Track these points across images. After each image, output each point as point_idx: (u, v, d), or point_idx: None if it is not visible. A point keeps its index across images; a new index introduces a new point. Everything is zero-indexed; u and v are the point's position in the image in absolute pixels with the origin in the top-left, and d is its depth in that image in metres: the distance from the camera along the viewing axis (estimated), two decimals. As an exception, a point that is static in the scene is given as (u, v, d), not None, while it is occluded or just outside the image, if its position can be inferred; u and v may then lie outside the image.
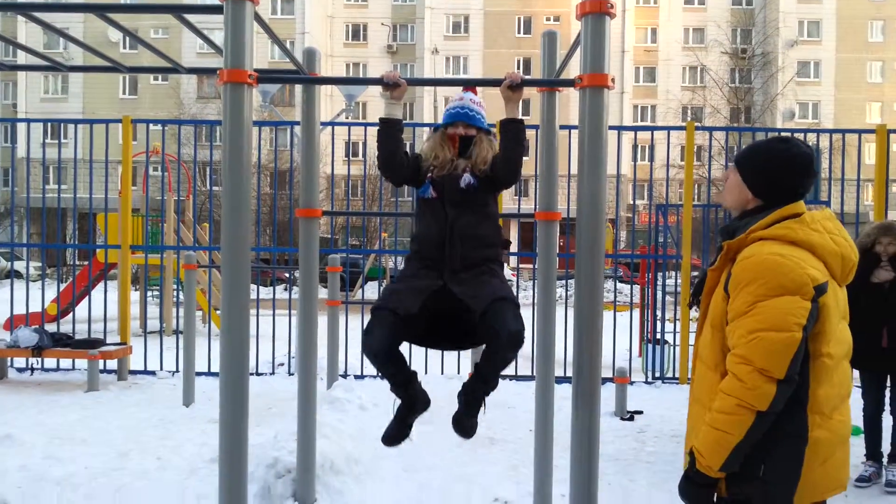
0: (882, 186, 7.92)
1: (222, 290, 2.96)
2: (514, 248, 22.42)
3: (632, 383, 7.35)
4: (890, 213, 7.68)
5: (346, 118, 14.17)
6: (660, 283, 8.70)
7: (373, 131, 9.14)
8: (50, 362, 8.14)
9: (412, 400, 3.15)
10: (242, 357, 2.96)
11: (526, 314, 7.47)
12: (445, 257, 3.00)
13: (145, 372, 8.05)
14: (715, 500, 2.10)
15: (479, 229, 3.07)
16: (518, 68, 42.19)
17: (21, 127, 20.07)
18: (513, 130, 3.17)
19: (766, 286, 1.97)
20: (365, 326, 2.99)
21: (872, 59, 42.63)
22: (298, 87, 4.23)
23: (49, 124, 9.92)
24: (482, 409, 3.18)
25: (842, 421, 2.07)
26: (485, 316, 2.92)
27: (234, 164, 2.88)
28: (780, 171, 2.13)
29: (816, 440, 2.00)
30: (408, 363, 3.12)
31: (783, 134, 2.38)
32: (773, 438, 2.00)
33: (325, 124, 8.09)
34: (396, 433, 3.18)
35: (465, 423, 3.15)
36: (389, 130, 3.19)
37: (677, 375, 8.07)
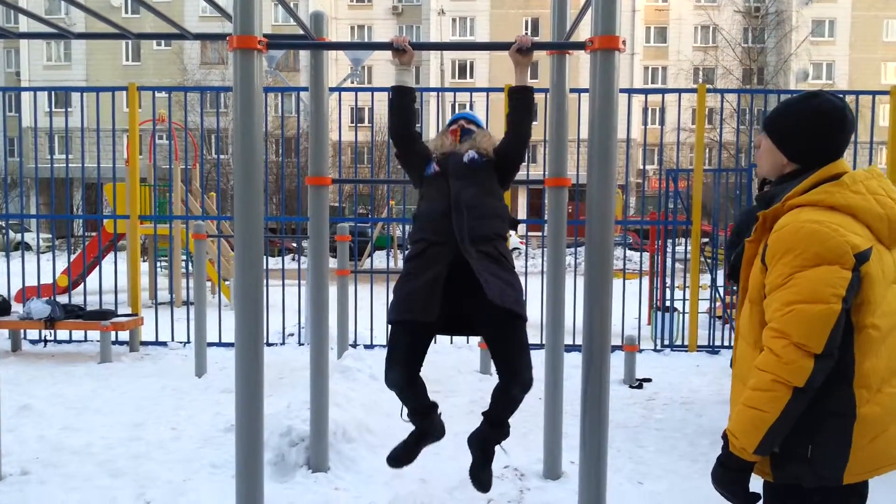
0: (896, 149, 7.81)
1: (235, 259, 2.96)
2: (522, 215, 22.31)
3: (641, 351, 7.37)
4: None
5: (353, 83, 14.03)
6: (669, 250, 8.67)
7: (379, 96, 9.07)
8: (62, 334, 8.23)
9: (427, 430, 3.14)
10: (257, 326, 2.98)
11: (535, 283, 7.48)
12: (453, 228, 2.94)
13: (157, 343, 8.12)
14: (763, 486, 2.02)
15: (484, 200, 3.02)
16: (526, 29, 41.59)
17: (25, 96, 19.99)
18: (522, 98, 3.12)
19: (802, 256, 1.85)
20: (387, 345, 2.99)
21: (889, 16, 41.75)
22: (304, 52, 4.17)
23: (53, 93, 9.87)
24: (503, 452, 3.14)
25: (892, 394, 1.93)
26: (496, 338, 2.93)
27: (246, 132, 2.86)
28: (812, 129, 2.00)
29: (865, 416, 1.89)
30: (428, 393, 3.10)
31: (812, 90, 2.20)
32: (819, 417, 1.90)
33: (332, 90, 8.02)
34: (403, 456, 3.17)
35: (482, 476, 3.09)
36: (403, 99, 3.16)
37: (686, 343, 8.09)
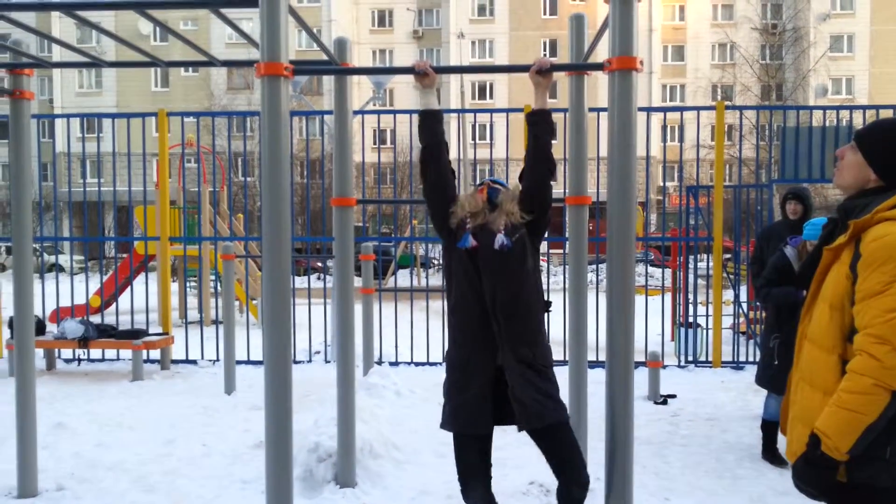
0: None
1: (264, 279, 3.05)
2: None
3: (664, 367, 7.37)
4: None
5: (375, 105, 14.24)
6: (691, 266, 8.68)
7: (401, 118, 9.20)
8: (95, 353, 8.41)
9: None
10: (285, 344, 3.05)
11: (557, 299, 7.51)
12: (494, 335, 2.97)
13: (187, 361, 8.27)
14: (840, 486, 2.06)
15: (519, 295, 2.99)
16: (545, 50, 41.81)
17: (59, 122, 20.44)
18: (540, 120, 3.15)
19: None
20: (455, 457, 3.10)
21: (908, 30, 41.41)
22: (328, 76, 4.30)
23: (84, 119, 10.14)
24: None
25: None
26: (547, 450, 3.02)
27: (274, 156, 2.95)
28: None
29: None
30: None
31: None
32: None
33: (356, 113, 8.18)
34: None
35: None
36: (430, 121, 3.24)
37: (710, 359, 8.07)
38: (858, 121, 12.91)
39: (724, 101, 7.70)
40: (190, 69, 38.80)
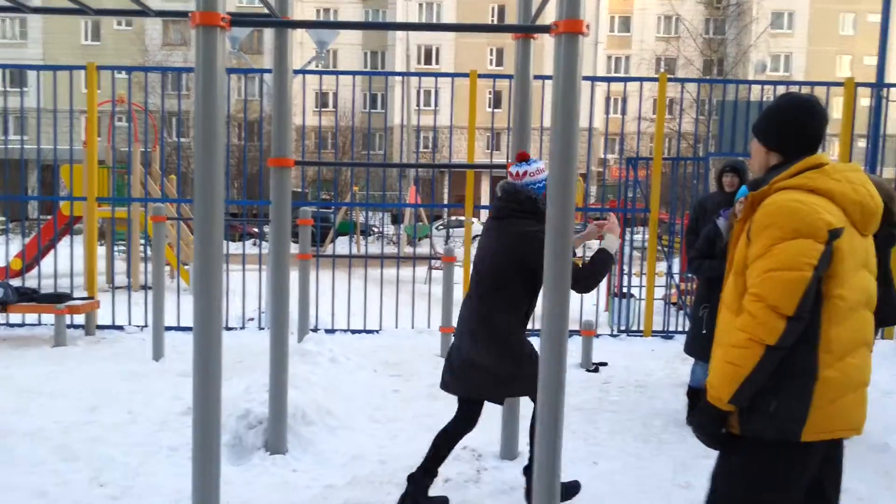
0: (847, 141, 8.04)
1: (196, 242, 2.94)
2: (485, 201, 22.35)
3: (598, 336, 7.51)
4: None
5: (318, 66, 13.89)
6: (628, 237, 8.81)
7: (344, 80, 8.95)
8: (15, 317, 8.06)
9: None
10: (215, 307, 2.96)
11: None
12: None
13: (113, 327, 8.01)
14: (729, 438, 2.22)
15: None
16: (493, 15, 41.53)
17: (-22, 74, 19.37)
18: (605, 258, 3.52)
19: (781, 230, 2.08)
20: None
21: (845, 9, 42.63)
22: (268, 34, 4.17)
23: (7, 70, 9.60)
24: None
25: (855, 365, 2.13)
26: None
27: (208, 112, 2.84)
28: (784, 118, 2.26)
29: (826, 379, 2.09)
30: None
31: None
32: (784, 375, 2.09)
33: (297, 72, 7.94)
34: None
35: None
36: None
37: (642, 329, 8.25)
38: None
39: (666, 73, 7.80)
40: (123, 23, 37.20)
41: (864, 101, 8.67)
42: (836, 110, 8.49)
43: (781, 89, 8.50)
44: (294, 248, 7.12)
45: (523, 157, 3.60)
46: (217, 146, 2.87)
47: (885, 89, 8.30)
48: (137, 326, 8.00)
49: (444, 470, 3.78)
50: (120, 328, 7.99)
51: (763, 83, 9.16)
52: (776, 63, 41.71)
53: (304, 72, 8.13)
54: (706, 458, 3.97)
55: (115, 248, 12.39)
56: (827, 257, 2.06)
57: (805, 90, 8.80)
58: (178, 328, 7.70)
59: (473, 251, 8.67)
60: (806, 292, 2.03)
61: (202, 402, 2.98)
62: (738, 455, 2.22)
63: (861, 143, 8.66)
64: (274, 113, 4.06)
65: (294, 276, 5.65)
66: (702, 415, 2.21)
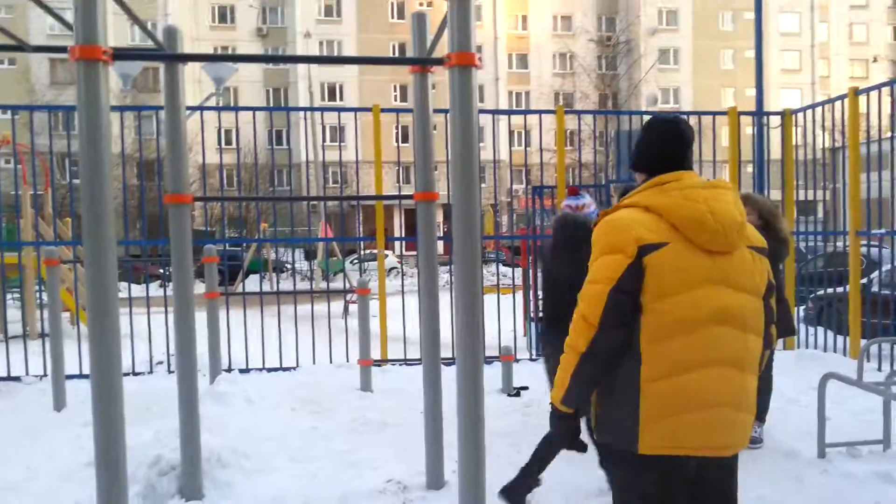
0: (735, 165, 8.56)
1: (87, 284, 2.81)
2: (398, 233, 22.39)
3: (517, 361, 7.58)
4: (743, 190, 8.29)
5: (218, 103, 13.65)
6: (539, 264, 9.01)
7: (245, 117, 8.86)
8: None
9: None
10: (112, 350, 2.83)
11: (413, 301, 7.48)
12: None
13: (9, 378, 7.49)
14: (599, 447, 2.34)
15: None
16: (394, 52, 42.09)
17: None
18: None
19: (598, 246, 2.21)
20: None
21: (724, 46, 45.71)
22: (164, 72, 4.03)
23: None
24: None
25: (696, 383, 2.07)
26: None
27: (92, 148, 2.73)
28: (642, 140, 2.38)
29: (652, 393, 2.09)
30: None
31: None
32: (614, 387, 2.17)
33: (192, 108, 7.76)
34: None
35: None
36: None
37: (558, 351, 8.39)
38: (683, 127, 14.00)
39: (563, 107, 8.15)
40: (6, 61, 35.47)
41: (749, 129, 9.26)
42: (723, 138, 9.04)
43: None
44: (200, 288, 6.90)
45: (574, 192, 3.74)
46: (104, 185, 2.76)
47: (766, 117, 8.91)
48: (36, 376, 7.51)
49: (370, 504, 3.70)
50: (17, 379, 7.48)
51: (655, 114, 9.66)
52: (666, 96, 44.13)
53: (200, 108, 7.96)
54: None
55: (8, 296, 11.64)
56: (635, 271, 2.09)
57: (693, 119, 9.35)
58: (80, 376, 7.27)
59: (388, 283, 8.65)
60: (608, 304, 2.09)
61: (105, 450, 2.84)
62: (612, 464, 2.41)
63: (749, 168, 9.24)
64: (168, 148, 3.94)
65: (202, 317, 5.47)
66: (550, 415, 2.33)
